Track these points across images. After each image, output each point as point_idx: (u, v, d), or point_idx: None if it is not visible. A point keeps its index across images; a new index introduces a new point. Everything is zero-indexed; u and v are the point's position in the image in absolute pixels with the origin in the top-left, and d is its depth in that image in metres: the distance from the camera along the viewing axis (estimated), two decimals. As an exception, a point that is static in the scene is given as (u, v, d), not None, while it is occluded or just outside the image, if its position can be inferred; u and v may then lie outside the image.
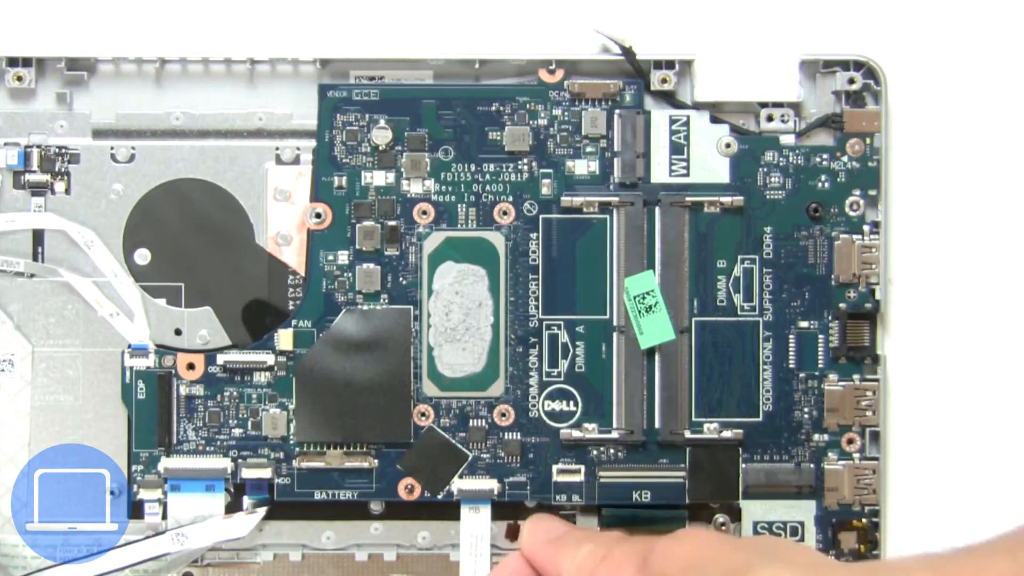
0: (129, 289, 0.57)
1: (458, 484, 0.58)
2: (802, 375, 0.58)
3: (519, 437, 0.58)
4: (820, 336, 0.58)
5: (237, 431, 0.58)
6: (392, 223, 0.58)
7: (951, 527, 0.59)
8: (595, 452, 0.58)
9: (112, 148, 0.58)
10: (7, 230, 0.58)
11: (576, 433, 0.58)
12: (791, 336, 0.58)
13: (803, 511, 0.58)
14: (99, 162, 0.58)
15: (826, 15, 0.59)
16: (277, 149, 0.58)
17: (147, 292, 0.58)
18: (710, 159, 0.58)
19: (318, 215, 0.58)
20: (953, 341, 0.59)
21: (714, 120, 0.58)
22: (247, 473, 0.57)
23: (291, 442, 0.58)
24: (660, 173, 0.58)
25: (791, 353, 0.58)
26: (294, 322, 0.58)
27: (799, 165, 0.58)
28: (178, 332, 0.58)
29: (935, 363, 0.59)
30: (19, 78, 0.57)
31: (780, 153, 0.58)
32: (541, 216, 0.58)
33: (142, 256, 0.58)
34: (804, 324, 0.58)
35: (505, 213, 0.58)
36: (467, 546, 0.58)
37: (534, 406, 0.58)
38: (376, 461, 0.58)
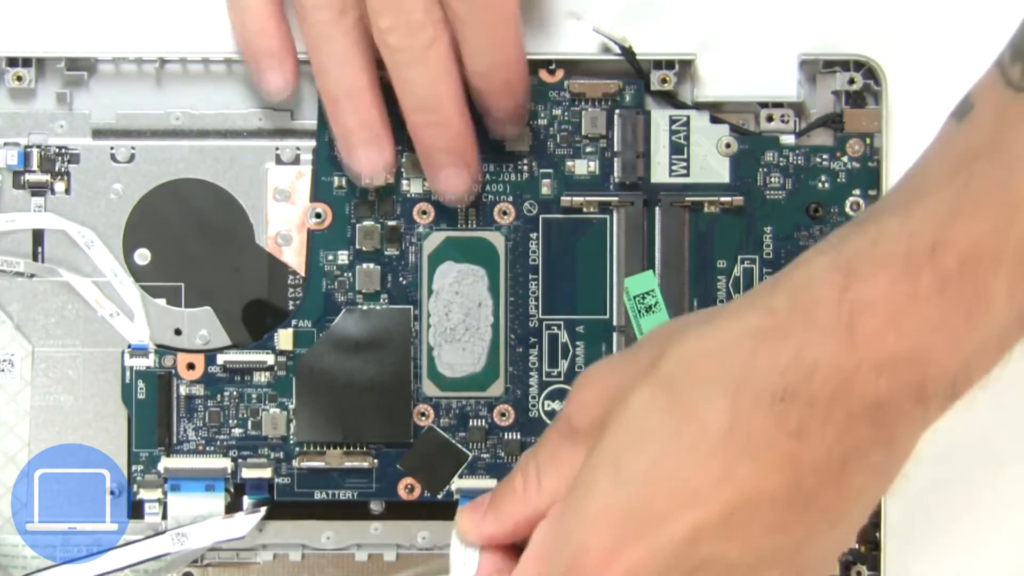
0: (129, 289, 0.57)
1: (458, 484, 0.58)
2: (802, 375, 0.58)
3: (519, 437, 0.58)
4: (820, 336, 0.58)
5: (237, 431, 0.58)
6: (392, 223, 0.58)
7: (952, 527, 0.59)
8: (595, 452, 0.58)
9: (112, 148, 0.58)
10: (7, 230, 0.58)
11: (576, 433, 0.58)
12: (791, 336, 0.58)
13: (803, 511, 0.58)
14: (99, 162, 0.58)
15: (826, 15, 0.59)
16: (277, 149, 0.58)
17: (147, 292, 0.58)
18: (710, 159, 0.58)
19: (318, 215, 0.58)
20: (953, 341, 0.59)
21: (714, 120, 0.58)
22: (247, 473, 0.57)
23: (291, 442, 0.58)
24: (660, 173, 0.58)
25: (791, 353, 0.58)
26: (294, 322, 0.58)
27: (799, 165, 0.58)
28: (178, 332, 0.58)
29: (935, 363, 0.59)
30: (19, 78, 0.57)
31: (780, 153, 0.58)
32: (541, 216, 0.58)
33: (142, 256, 0.58)
34: (804, 324, 0.58)
35: (505, 213, 0.58)
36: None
37: (534, 406, 0.58)
38: (376, 461, 0.58)
